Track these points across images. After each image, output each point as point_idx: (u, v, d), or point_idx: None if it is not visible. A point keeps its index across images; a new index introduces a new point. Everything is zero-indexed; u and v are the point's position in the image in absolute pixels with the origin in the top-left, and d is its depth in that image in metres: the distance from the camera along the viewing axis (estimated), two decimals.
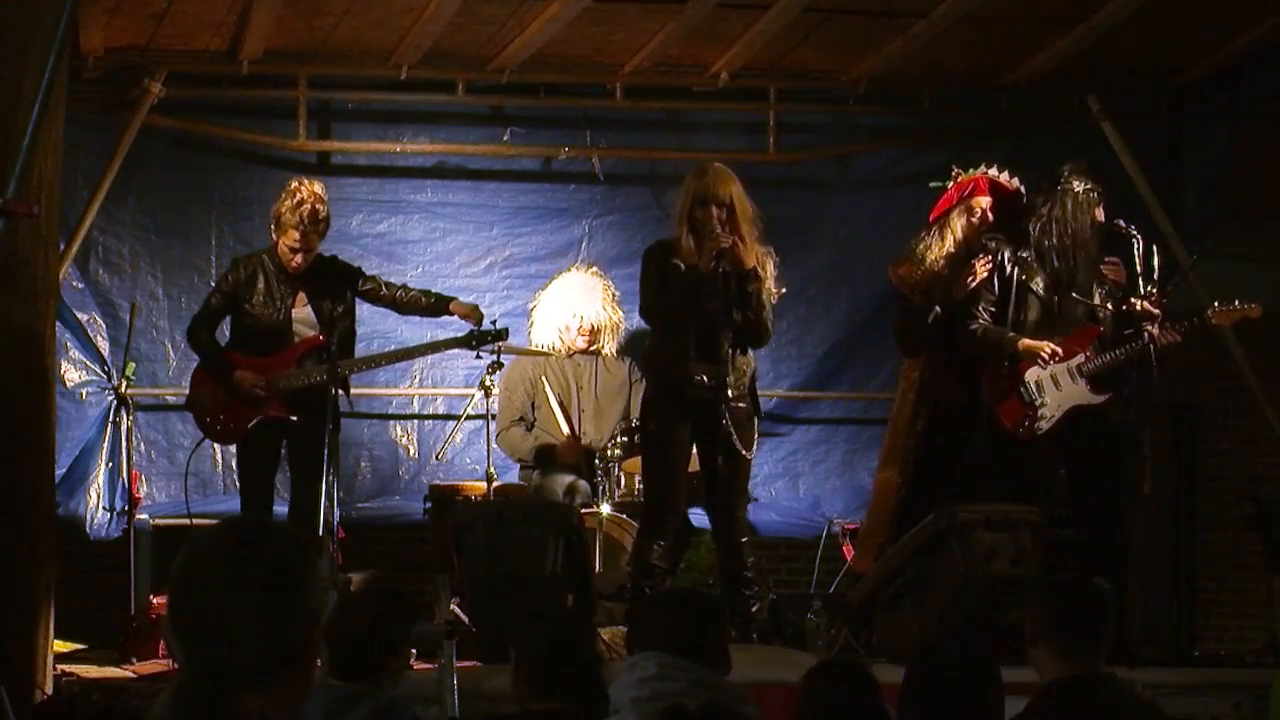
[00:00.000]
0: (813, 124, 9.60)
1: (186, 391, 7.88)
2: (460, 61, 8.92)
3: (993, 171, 7.97)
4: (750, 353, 7.57)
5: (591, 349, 8.62)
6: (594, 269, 8.89)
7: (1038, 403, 7.65)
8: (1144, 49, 8.90)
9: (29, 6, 6.17)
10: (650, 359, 7.67)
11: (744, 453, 7.39)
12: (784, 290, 7.68)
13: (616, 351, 8.67)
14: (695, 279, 7.27)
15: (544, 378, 8.58)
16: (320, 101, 9.07)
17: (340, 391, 7.64)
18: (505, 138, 9.27)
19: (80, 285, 8.73)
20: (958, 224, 7.87)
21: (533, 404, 8.58)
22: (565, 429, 8.48)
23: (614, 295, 8.72)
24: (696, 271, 7.28)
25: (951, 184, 7.97)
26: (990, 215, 7.89)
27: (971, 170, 7.98)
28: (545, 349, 8.59)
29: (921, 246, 7.89)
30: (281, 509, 7.81)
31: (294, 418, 7.54)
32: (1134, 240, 7.69)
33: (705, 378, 7.30)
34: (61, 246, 7.72)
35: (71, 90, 7.16)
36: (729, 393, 7.31)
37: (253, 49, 8.53)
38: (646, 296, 7.51)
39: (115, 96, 8.65)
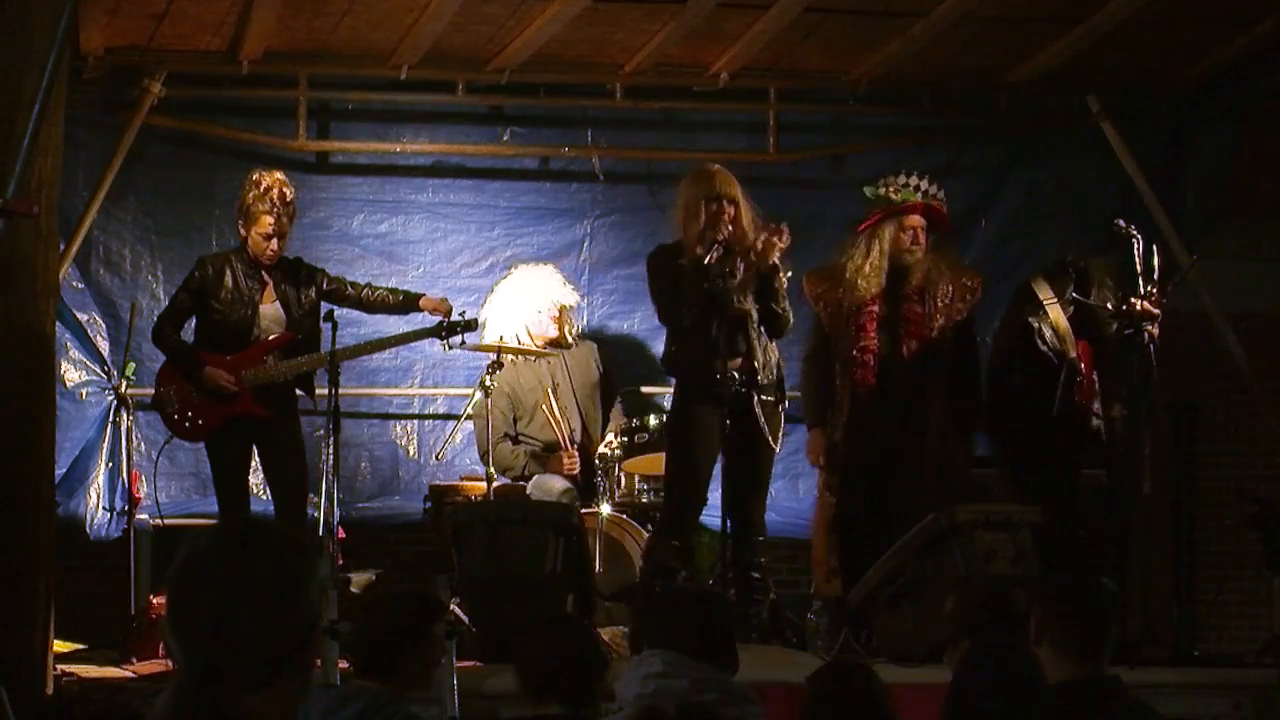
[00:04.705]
0: (813, 124, 9.60)
1: None
2: (460, 61, 8.91)
3: (931, 189, 7.87)
4: (772, 342, 7.63)
5: (560, 335, 8.56)
6: (534, 262, 8.84)
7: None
8: (1144, 49, 8.90)
9: (29, 6, 6.17)
10: (677, 359, 7.63)
11: (773, 444, 7.42)
12: (790, 274, 7.69)
13: (576, 337, 8.66)
14: (703, 273, 7.30)
15: (518, 386, 8.51)
16: (320, 101, 9.06)
17: (302, 392, 7.65)
18: (505, 138, 9.26)
19: (80, 285, 8.73)
20: (887, 235, 7.72)
21: (514, 417, 8.54)
22: (556, 432, 8.44)
23: (563, 279, 8.68)
24: (702, 265, 7.31)
25: (884, 190, 7.86)
26: (923, 237, 7.74)
27: (903, 186, 7.85)
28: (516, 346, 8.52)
29: (845, 258, 7.82)
30: (259, 506, 7.82)
31: (265, 413, 7.53)
32: (1134, 240, 7.70)
33: (736, 373, 7.34)
34: (61, 246, 7.71)
35: (71, 90, 7.16)
36: (759, 384, 7.37)
37: (253, 49, 8.52)
38: (664, 303, 7.51)
39: (115, 96, 8.64)
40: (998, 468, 8.23)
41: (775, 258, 7.44)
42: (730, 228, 7.42)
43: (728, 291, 7.36)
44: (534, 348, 8.46)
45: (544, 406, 8.46)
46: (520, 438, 8.48)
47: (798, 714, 4.19)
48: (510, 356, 8.28)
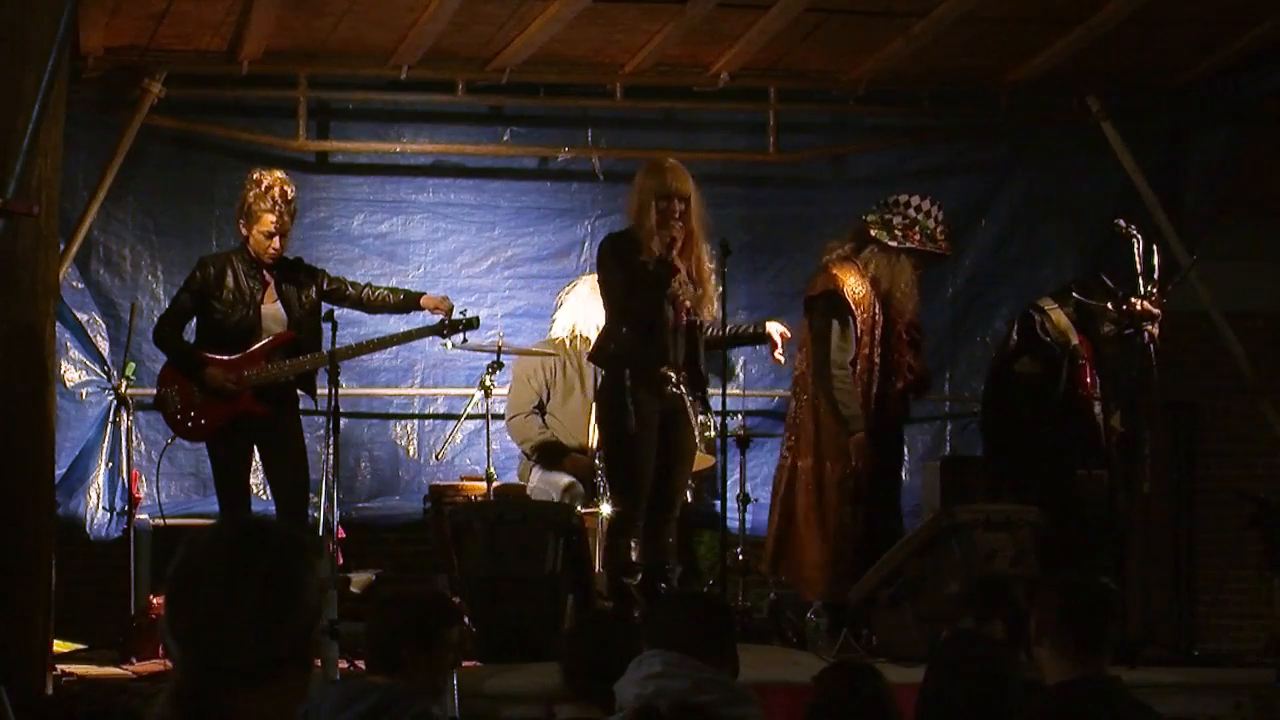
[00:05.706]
0: (813, 124, 9.60)
1: None
2: (460, 61, 8.91)
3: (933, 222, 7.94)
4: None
5: None
6: None
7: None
8: (1144, 49, 8.90)
9: (29, 6, 6.17)
10: (615, 356, 7.54)
11: (699, 444, 7.51)
12: (721, 288, 7.69)
13: None
14: (664, 272, 7.29)
15: (559, 374, 8.56)
16: (320, 101, 9.07)
17: (303, 392, 7.66)
18: (505, 138, 9.27)
19: (80, 285, 8.73)
20: (910, 270, 7.90)
21: (548, 392, 8.56)
22: (584, 427, 8.46)
23: None
24: (664, 264, 7.29)
25: (933, 227, 7.91)
26: None
27: (940, 229, 7.92)
28: (566, 342, 8.54)
29: (876, 264, 7.87)
30: (259, 506, 7.83)
31: (266, 413, 7.53)
32: (1134, 240, 7.70)
33: (675, 375, 7.34)
34: (61, 246, 7.71)
35: (71, 90, 7.16)
36: (697, 391, 7.42)
37: (253, 49, 8.52)
38: (619, 297, 7.48)
39: (115, 96, 8.64)
40: (994, 468, 8.24)
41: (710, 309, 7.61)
42: (680, 226, 7.38)
43: (696, 301, 7.39)
44: (551, 350, 8.50)
45: (581, 395, 8.47)
46: (548, 413, 8.50)
47: (803, 714, 4.18)
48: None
